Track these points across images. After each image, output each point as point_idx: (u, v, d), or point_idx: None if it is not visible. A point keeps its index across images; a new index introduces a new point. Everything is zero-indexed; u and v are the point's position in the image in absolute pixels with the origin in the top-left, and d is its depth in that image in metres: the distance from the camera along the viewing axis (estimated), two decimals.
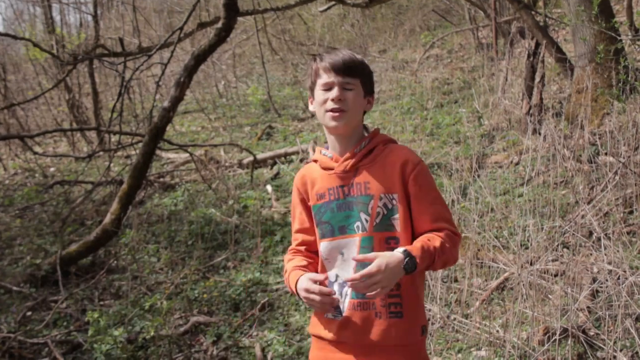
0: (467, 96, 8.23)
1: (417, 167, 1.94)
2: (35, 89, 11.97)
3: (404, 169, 1.94)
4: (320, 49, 13.38)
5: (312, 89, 2.03)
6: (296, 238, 2.12)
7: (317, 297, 1.87)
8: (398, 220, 1.93)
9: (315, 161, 2.08)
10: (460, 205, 4.86)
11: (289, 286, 2.03)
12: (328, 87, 1.96)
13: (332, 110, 1.94)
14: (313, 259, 2.07)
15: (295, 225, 2.12)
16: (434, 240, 1.87)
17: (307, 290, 1.89)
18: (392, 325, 1.92)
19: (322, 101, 1.97)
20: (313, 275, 1.93)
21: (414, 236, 1.95)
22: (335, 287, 1.98)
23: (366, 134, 2.04)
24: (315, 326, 2.04)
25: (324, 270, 2.01)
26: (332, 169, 2.01)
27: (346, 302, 1.96)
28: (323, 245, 2.00)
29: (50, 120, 11.91)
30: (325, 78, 1.96)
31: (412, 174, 1.93)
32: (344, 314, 1.96)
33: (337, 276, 1.99)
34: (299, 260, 2.06)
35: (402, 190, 1.94)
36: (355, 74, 1.97)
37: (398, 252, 1.81)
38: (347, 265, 1.96)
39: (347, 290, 1.95)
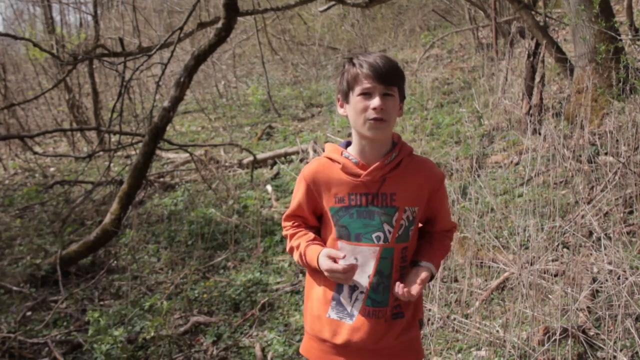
0: (467, 96, 8.23)
1: (442, 181, 2.02)
2: (35, 89, 11.97)
3: (433, 184, 1.99)
4: (321, 49, 13.39)
5: (346, 94, 1.96)
6: (292, 219, 2.11)
7: (342, 276, 1.90)
8: (413, 231, 1.99)
9: (332, 160, 2.01)
10: (460, 205, 4.86)
11: (303, 261, 2.01)
12: (368, 94, 1.89)
13: (374, 120, 1.88)
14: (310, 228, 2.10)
15: (293, 212, 2.10)
16: (446, 248, 2.06)
17: (331, 271, 1.90)
18: (396, 326, 1.98)
19: (361, 109, 1.89)
20: (329, 251, 1.93)
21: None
22: (345, 289, 1.99)
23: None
24: (317, 327, 2.03)
25: None
26: (356, 175, 1.95)
27: (357, 307, 1.97)
28: (341, 245, 1.97)
29: (50, 120, 11.92)
30: (366, 84, 1.89)
31: (437, 186, 2.01)
32: (354, 319, 1.97)
33: None
34: (306, 234, 2.04)
35: (424, 204, 1.99)
36: (395, 81, 1.92)
37: (427, 271, 1.96)
38: (362, 270, 1.95)
39: (358, 294, 1.97)
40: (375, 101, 1.87)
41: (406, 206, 1.94)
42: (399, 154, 1.97)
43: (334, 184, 1.97)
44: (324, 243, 2.02)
